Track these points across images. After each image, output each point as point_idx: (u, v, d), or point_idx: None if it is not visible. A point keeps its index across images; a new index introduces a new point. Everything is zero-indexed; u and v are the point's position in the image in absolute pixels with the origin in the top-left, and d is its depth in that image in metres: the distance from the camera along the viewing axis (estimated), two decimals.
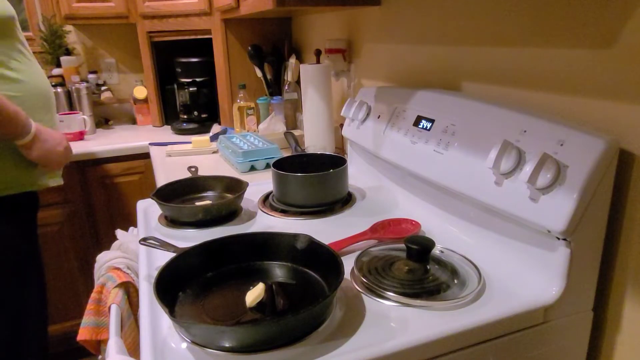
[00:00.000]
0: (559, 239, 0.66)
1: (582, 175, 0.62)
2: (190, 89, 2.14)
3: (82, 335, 0.85)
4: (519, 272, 0.72)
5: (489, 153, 0.72)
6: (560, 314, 0.69)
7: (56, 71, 2.25)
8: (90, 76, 2.35)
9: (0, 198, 1.12)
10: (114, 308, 0.78)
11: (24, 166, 1.16)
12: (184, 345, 0.60)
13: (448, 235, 0.87)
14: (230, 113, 2.10)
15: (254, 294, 0.66)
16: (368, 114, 1.14)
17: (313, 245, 0.75)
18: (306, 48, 1.98)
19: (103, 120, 2.41)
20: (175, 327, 0.63)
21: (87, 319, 0.85)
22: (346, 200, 1.07)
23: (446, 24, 1.02)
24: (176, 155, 1.70)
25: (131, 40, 2.41)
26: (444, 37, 1.03)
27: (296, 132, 1.65)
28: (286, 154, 1.19)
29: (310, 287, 0.71)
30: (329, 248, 0.73)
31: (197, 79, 2.15)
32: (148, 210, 1.05)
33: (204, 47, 2.11)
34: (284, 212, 1.03)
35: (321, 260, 0.72)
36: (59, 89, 2.17)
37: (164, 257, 0.75)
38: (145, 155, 1.97)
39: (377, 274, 0.73)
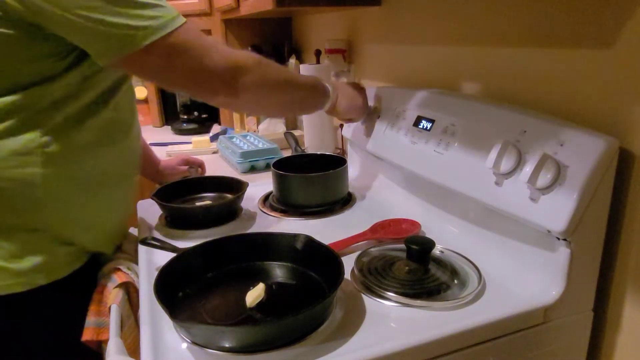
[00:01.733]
0: (559, 239, 0.66)
1: (582, 175, 0.62)
2: None
3: (86, 335, 0.85)
4: (519, 272, 0.72)
5: (489, 153, 0.72)
6: (560, 314, 0.69)
7: None
8: None
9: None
10: (114, 308, 0.78)
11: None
12: (184, 345, 0.60)
13: (448, 235, 0.87)
14: (230, 113, 2.10)
15: (254, 294, 0.66)
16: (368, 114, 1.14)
17: (313, 246, 0.75)
18: (306, 48, 1.98)
19: None
20: (175, 327, 0.63)
21: (88, 319, 0.85)
22: (346, 200, 1.07)
23: (446, 24, 1.02)
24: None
25: None
26: (444, 37, 1.03)
27: (296, 132, 1.64)
28: (286, 154, 1.19)
29: (310, 287, 0.71)
30: (329, 248, 0.73)
31: None
32: (148, 210, 1.05)
33: None
34: (284, 212, 1.03)
35: (321, 260, 0.72)
36: None
37: (164, 257, 0.75)
38: None
39: (377, 274, 0.73)
